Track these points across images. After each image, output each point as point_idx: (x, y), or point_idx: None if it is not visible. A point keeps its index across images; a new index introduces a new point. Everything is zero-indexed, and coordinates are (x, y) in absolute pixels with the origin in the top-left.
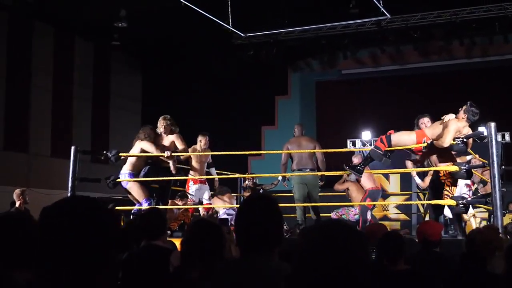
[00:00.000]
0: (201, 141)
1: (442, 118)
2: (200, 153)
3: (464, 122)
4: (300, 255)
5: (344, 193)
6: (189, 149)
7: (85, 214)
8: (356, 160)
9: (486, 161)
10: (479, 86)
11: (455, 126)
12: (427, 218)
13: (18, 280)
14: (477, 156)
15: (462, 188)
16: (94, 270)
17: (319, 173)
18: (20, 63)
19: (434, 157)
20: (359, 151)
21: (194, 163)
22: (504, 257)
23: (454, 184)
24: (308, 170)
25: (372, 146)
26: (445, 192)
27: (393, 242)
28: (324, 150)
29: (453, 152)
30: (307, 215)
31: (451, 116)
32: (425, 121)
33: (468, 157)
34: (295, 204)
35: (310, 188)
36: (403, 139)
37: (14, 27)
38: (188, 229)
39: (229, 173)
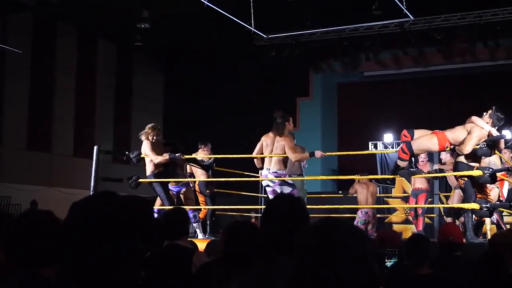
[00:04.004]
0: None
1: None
2: (206, 156)
3: (488, 127)
4: (300, 256)
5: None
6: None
7: (111, 209)
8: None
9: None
10: (503, 89)
11: (478, 133)
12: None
13: (44, 278)
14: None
15: None
16: (118, 266)
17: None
18: (44, 64)
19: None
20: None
21: None
22: None
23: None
24: (296, 175)
25: (396, 160)
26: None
27: (420, 245)
28: (346, 153)
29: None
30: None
31: (476, 120)
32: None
33: (487, 160)
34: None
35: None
36: (425, 144)
37: (38, 28)
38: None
39: (251, 174)
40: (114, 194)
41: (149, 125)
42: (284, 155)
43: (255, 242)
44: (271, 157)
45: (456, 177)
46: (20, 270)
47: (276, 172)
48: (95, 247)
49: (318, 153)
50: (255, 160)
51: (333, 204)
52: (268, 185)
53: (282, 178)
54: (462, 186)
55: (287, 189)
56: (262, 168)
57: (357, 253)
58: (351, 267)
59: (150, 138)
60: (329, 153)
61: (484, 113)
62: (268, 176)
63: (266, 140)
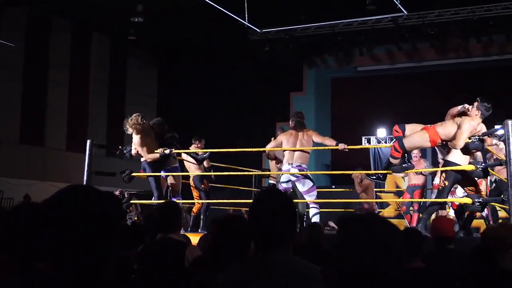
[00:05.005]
0: None
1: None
2: (200, 150)
3: (477, 119)
4: (339, 247)
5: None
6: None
7: (78, 206)
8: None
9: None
10: (496, 84)
11: (468, 126)
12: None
13: (43, 271)
14: (495, 152)
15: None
16: (93, 262)
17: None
18: (38, 58)
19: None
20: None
21: None
22: None
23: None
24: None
25: (389, 157)
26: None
27: (412, 238)
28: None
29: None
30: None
31: (453, 110)
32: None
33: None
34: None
35: None
36: (417, 141)
37: (33, 22)
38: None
39: (245, 168)
40: (83, 191)
41: (135, 118)
42: (308, 149)
43: (244, 235)
44: (295, 151)
45: (440, 176)
46: (21, 265)
47: (300, 165)
48: (64, 244)
49: (342, 145)
50: (269, 153)
51: (325, 199)
52: (289, 180)
53: (290, 172)
54: (442, 186)
55: (309, 184)
56: (273, 160)
57: (398, 248)
58: (391, 261)
59: (139, 129)
60: (322, 147)
61: (471, 107)
62: (291, 170)
63: (287, 138)
